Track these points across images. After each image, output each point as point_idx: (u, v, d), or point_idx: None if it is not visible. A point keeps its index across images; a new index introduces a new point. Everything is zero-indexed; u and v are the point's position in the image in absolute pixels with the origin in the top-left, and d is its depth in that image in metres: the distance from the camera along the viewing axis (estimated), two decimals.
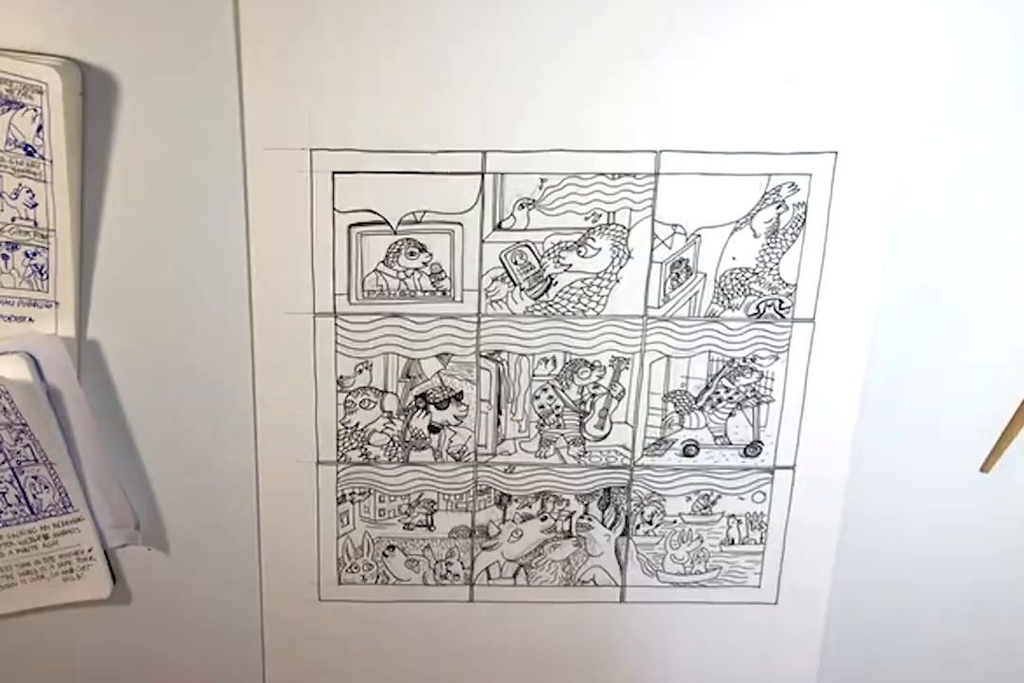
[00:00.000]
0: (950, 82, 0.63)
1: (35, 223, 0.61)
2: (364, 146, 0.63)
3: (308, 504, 0.71)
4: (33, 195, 0.60)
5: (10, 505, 0.66)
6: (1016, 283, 0.68)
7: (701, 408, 0.70)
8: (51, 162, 0.59)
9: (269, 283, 0.66)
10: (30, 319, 0.63)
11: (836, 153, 0.64)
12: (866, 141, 0.64)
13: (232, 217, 0.64)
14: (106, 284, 0.65)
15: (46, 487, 0.65)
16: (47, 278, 0.62)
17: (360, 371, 0.68)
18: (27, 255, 0.61)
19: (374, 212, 0.64)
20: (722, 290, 0.67)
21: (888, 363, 0.69)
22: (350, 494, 0.72)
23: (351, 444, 0.70)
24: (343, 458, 0.70)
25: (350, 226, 0.65)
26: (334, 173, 0.63)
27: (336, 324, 0.67)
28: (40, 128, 0.58)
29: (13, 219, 0.61)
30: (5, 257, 0.62)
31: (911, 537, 0.74)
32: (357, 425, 0.70)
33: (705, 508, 0.73)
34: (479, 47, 0.61)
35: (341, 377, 0.68)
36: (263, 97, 0.61)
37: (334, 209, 0.64)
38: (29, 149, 0.59)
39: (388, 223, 0.65)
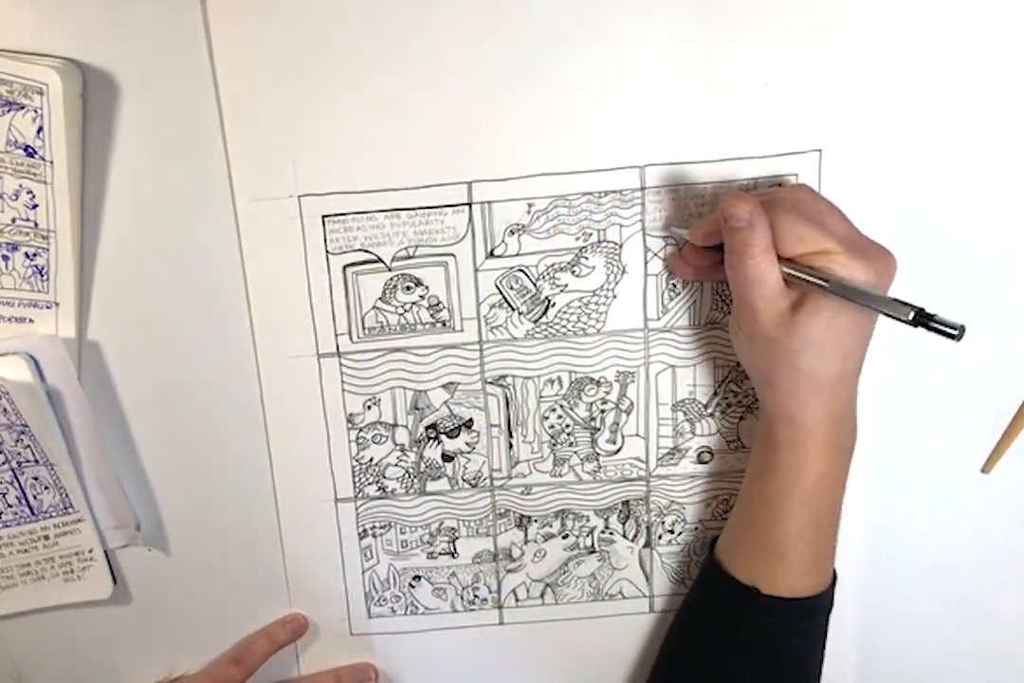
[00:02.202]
0: (934, 73, 0.63)
1: (35, 224, 0.61)
2: (350, 188, 0.63)
3: (331, 541, 0.72)
4: (33, 196, 0.60)
5: (10, 506, 0.66)
6: (1013, 282, 0.67)
7: (711, 414, 0.71)
8: (51, 163, 0.59)
9: (271, 328, 0.66)
10: (30, 320, 0.63)
11: (820, 151, 0.64)
12: (850, 137, 0.64)
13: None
14: (106, 285, 0.65)
15: (46, 488, 0.65)
16: (47, 279, 0.62)
17: (369, 407, 0.68)
18: (27, 256, 0.61)
19: (367, 251, 0.65)
20: (720, 296, 0.67)
21: (886, 364, 0.69)
22: (371, 528, 0.72)
23: (367, 479, 0.70)
24: (361, 494, 0.71)
25: (345, 267, 0.65)
26: (324, 217, 0.63)
27: (341, 363, 0.67)
28: (40, 129, 0.58)
29: (13, 220, 0.61)
30: (5, 258, 0.62)
31: (911, 537, 0.74)
32: (371, 460, 0.70)
33: (725, 513, 0.73)
34: (456, 80, 0.61)
35: (351, 414, 0.68)
36: (248, 148, 0.61)
37: (327, 252, 0.64)
38: (29, 150, 0.59)
39: (382, 260, 0.65)
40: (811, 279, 0.55)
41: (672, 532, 0.74)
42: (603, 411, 0.70)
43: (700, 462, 0.72)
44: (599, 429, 0.70)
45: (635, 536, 0.74)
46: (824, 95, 0.63)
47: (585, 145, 0.63)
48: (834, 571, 0.66)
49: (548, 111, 0.62)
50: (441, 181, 0.63)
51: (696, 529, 0.74)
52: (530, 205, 0.64)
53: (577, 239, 0.65)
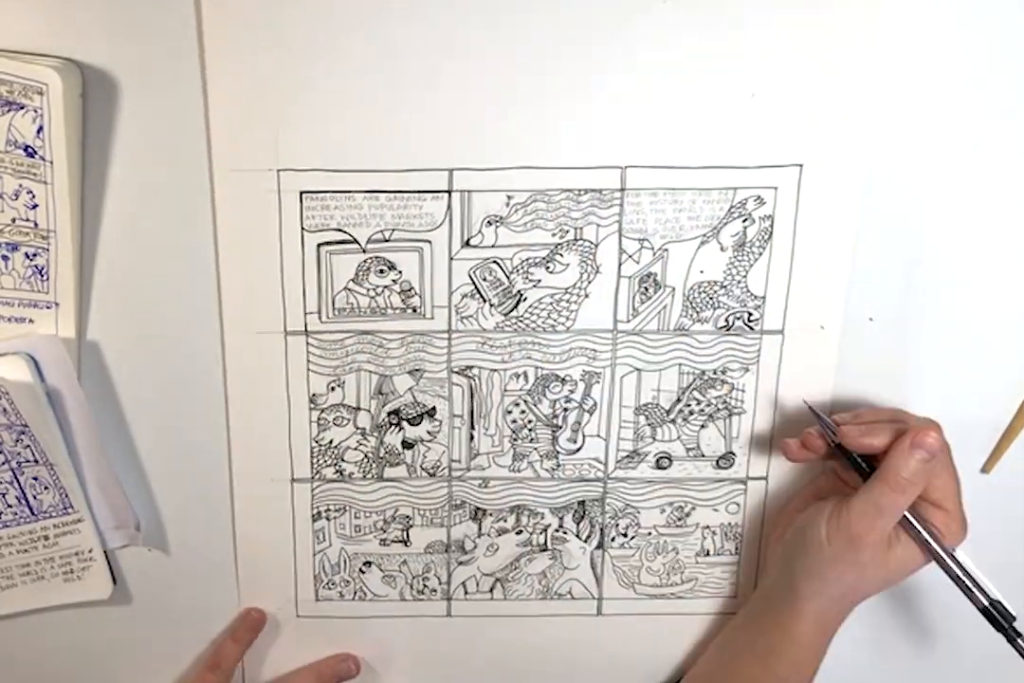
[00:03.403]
0: (914, 93, 0.64)
1: (35, 224, 0.61)
2: (331, 166, 0.63)
3: (284, 522, 0.72)
4: (33, 196, 0.60)
5: (10, 506, 0.66)
6: (1003, 286, 0.68)
7: (673, 421, 0.71)
8: (51, 163, 0.59)
9: (240, 301, 0.66)
10: (30, 320, 0.63)
11: (801, 166, 0.64)
12: (830, 154, 0.64)
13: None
14: (106, 285, 0.65)
15: (46, 488, 0.65)
16: (47, 279, 0.62)
17: (332, 388, 0.69)
18: (27, 256, 0.62)
19: (343, 231, 0.65)
20: (691, 303, 0.68)
21: (861, 370, 0.69)
22: (325, 511, 0.72)
23: (325, 461, 0.70)
24: (317, 475, 0.71)
25: (319, 245, 0.65)
26: (302, 193, 0.64)
27: (308, 342, 0.67)
28: (40, 129, 0.58)
29: (13, 220, 0.61)
30: (5, 258, 0.62)
31: None
32: (331, 442, 0.70)
33: (679, 520, 0.73)
34: (445, 66, 0.61)
35: (314, 395, 0.69)
36: (230, 118, 0.62)
37: (303, 228, 0.64)
38: (29, 150, 0.59)
39: (357, 242, 0.65)
40: (931, 543, 0.63)
41: (625, 535, 0.74)
42: (566, 409, 0.70)
43: (658, 467, 0.72)
44: (561, 427, 0.70)
45: (588, 537, 0.74)
46: (810, 110, 0.63)
47: (568, 141, 0.63)
48: None
49: (534, 104, 0.62)
50: (423, 166, 0.63)
51: (649, 534, 0.74)
52: (509, 197, 0.64)
53: (553, 235, 0.65)
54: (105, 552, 0.69)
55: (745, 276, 0.67)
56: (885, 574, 0.64)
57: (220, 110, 0.61)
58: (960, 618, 0.69)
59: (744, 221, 0.66)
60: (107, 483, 0.67)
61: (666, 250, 0.66)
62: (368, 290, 0.66)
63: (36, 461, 0.64)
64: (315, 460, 0.70)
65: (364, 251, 0.65)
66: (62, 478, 0.65)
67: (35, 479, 0.65)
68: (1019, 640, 0.62)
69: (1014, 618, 0.63)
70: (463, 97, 0.62)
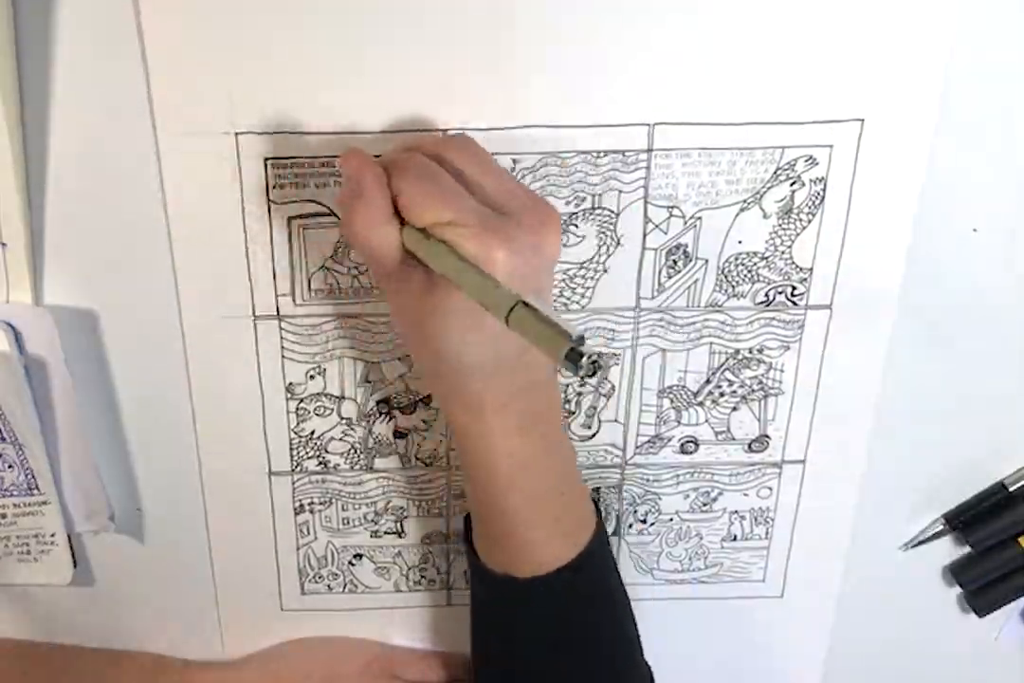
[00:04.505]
0: (993, 40, 0.53)
1: None
2: (300, 127, 0.52)
3: (262, 516, 0.64)
4: None
5: None
6: None
7: (701, 403, 0.63)
8: None
9: (199, 283, 0.56)
10: None
11: (862, 121, 0.54)
12: (897, 106, 0.54)
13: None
14: (58, 270, 0.56)
15: (10, 466, 0.60)
16: None
17: (312, 377, 0.60)
18: None
19: (318, 202, 0.55)
20: (726, 277, 0.58)
21: (911, 352, 0.61)
22: (309, 504, 0.64)
23: (307, 453, 0.62)
24: (298, 468, 0.63)
25: (290, 218, 0.55)
26: (267, 160, 0.53)
27: (281, 327, 0.58)
28: None
29: None
30: None
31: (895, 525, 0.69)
32: (312, 433, 0.62)
33: (705, 505, 0.66)
34: (435, 6, 0.50)
35: (291, 384, 0.60)
36: (173, 71, 0.51)
37: (269, 200, 0.54)
38: None
39: (335, 214, 0.55)
40: (426, 258, 0.46)
41: (644, 522, 0.67)
42: (580, 394, 0.62)
43: (683, 452, 0.64)
44: (573, 412, 0.62)
45: None
46: (872, 55, 0.52)
47: (585, 95, 0.53)
48: (598, 523, 0.57)
49: (541, 52, 0.51)
50: (411, 126, 0.53)
51: (671, 520, 0.67)
52: (515, 161, 0.54)
53: (567, 204, 0.56)
54: (69, 537, 0.63)
55: (790, 246, 0.58)
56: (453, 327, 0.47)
57: (160, 59, 0.50)
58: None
59: (792, 185, 0.56)
60: (82, 468, 0.61)
61: (699, 218, 0.56)
62: (350, 269, 0.57)
63: (3, 439, 0.58)
64: (295, 452, 0.62)
65: None
66: (30, 459, 0.59)
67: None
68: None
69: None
70: (456, 45, 0.51)
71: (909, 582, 0.70)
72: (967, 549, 0.69)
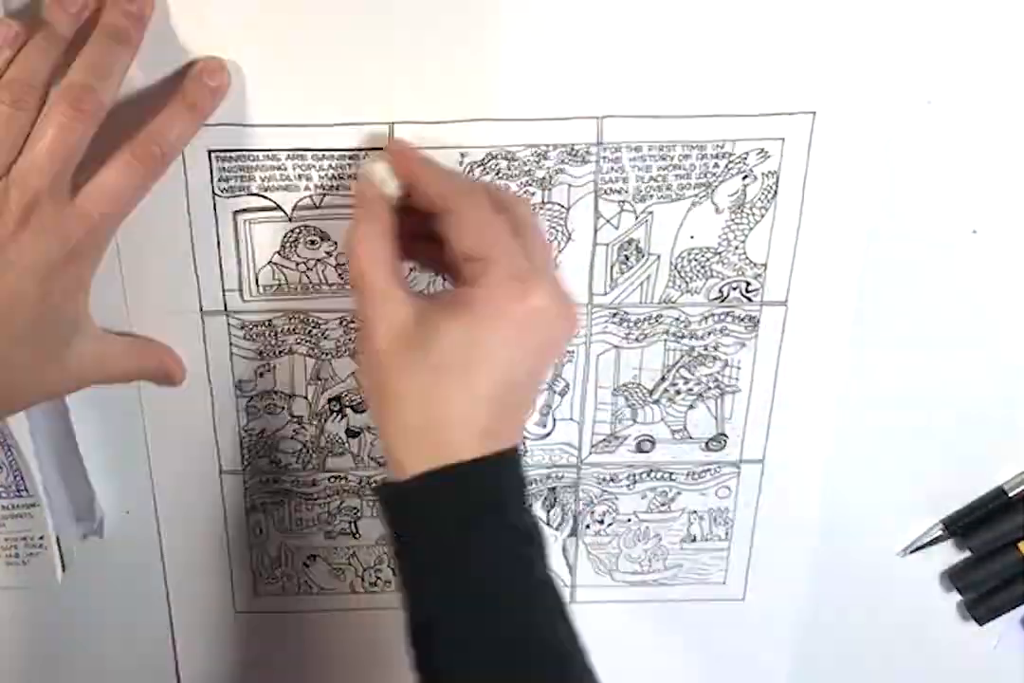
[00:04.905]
0: (953, 28, 0.52)
1: None
2: (245, 119, 0.52)
3: (214, 515, 0.63)
4: None
5: None
6: (1017, 261, 0.58)
7: (656, 401, 0.62)
8: None
9: (145, 279, 0.56)
10: None
11: (814, 114, 0.54)
12: (849, 99, 0.53)
13: None
14: None
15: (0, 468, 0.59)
16: None
17: (261, 374, 0.59)
18: None
19: (264, 196, 0.54)
20: (679, 273, 0.58)
21: (910, 354, 0.61)
22: (261, 504, 0.63)
23: (258, 452, 0.62)
24: (249, 466, 0.62)
25: (236, 213, 0.54)
26: (211, 152, 0.52)
27: (229, 323, 0.57)
28: None
29: None
30: None
31: (890, 530, 0.68)
32: (263, 432, 0.61)
33: (663, 505, 0.66)
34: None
35: (240, 381, 0.59)
36: None
37: (214, 193, 0.54)
38: None
39: (281, 209, 0.54)
40: None
41: (602, 522, 0.66)
42: None
43: (640, 451, 0.64)
44: None
45: (560, 524, 0.66)
46: (824, 46, 0.52)
47: (533, 87, 0.52)
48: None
49: (488, 44, 0.51)
50: (358, 119, 0.52)
51: (629, 520, 0.66)
52: (463, 155, 0.54)
53: None
54: (58, 539, 0.62)
55: (743, 241, 0.57)
56: None
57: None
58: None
59: (744, 178, 0.55)
60: (70, 471, 0.61)
61: (651, 213, 0.56)
62: (298, 264, 0.56)
63: None
64: (246, 451, 0.61)
65: (291, 219, 0.55)
66: (19, 460, 0.58)
67: None
68: None
69: None
70: (405, 35, 0.50)
71: (907, 587, 0.70)
72: (966, 554, 0.68)
